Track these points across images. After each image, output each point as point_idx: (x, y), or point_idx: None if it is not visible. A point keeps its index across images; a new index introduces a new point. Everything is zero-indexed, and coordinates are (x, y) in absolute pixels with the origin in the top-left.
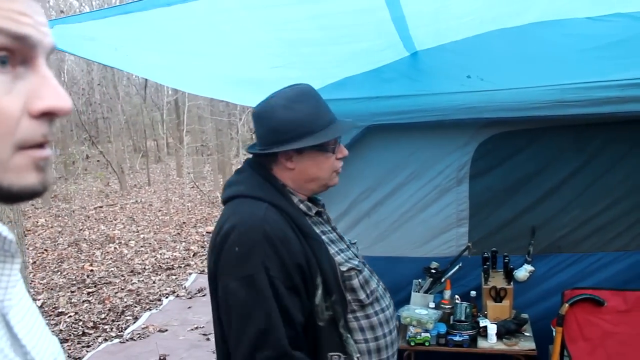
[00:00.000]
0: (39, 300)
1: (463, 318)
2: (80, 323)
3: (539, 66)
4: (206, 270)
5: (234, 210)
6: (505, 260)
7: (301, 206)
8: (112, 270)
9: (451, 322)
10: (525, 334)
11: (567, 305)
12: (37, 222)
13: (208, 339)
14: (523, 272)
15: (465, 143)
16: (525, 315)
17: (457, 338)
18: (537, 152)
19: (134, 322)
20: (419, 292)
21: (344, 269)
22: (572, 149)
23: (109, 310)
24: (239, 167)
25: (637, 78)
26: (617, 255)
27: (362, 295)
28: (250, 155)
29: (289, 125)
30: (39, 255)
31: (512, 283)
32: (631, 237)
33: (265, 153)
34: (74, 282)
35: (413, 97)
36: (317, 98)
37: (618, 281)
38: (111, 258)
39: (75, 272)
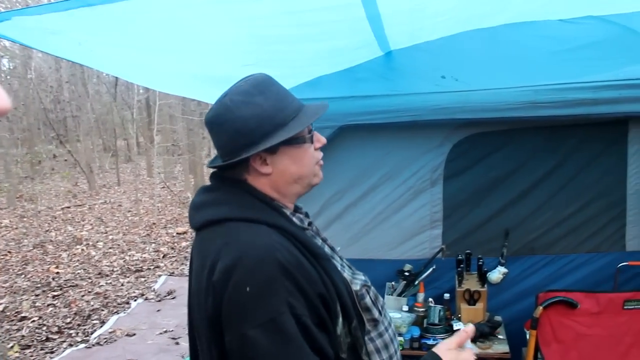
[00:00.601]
0: (0, 304)
1: (437, 321)
2: (44, 328)
3: (512, 67)
4: (176, 272)
5: (228, 240)
6: (480, 263)
7: (294, 220)
8: (79, 273)
9: (425, 325)
10: (499, 336)
11: (541, 308)
12: (1, 223)
13: (177, 343)
14: (496, 274)
15: (439, 144)
16: (498, 318)
17: (431, 342)
18: (511, 154)
19: (101, 326)
20: (392, 295)
21: (356, 287)
22: (545, 150)
23: (75, 314)
24: (205, 185)
25: (610, 80)
26: (589, 256)
27: (376, 313)
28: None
29: (253, 122)
30: (1, 257)
31: (486, 286)
32: (603, 238)
33: (233, 163)
34: (39, 285)
35: (387, 97)
36: (277, 85)
37: (591, 282)
38: (78, 260)
39: (40, 274)
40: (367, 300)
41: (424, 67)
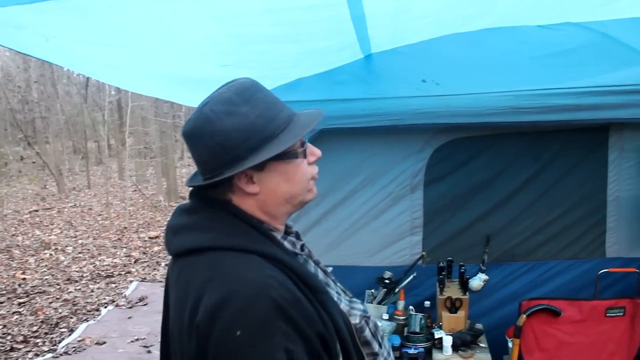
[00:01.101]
0: None
1: (418, 329)
2: (9, 337)
3: (493, 72)
4: (148, 278)
5: (212, 275)
6: (461, 270)
7: (286, 245)
8: (46, 279)
9: (405, 333)
10: (481, 345)
11: (524, 316)
12: None
13: (149, 352)
14: (477, 282)
15: (420, 149)
16: (479, 326)
17: (412, 351)
18: (492, 159)
19: (69, 335)
20: (372, 303)
21: (355, 321)
22: (527, 156)
23: (42, 322)
24: (183, 204)
25: (591, 86)
26: (570, 263)
27: (376, 347)
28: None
29: (238, 135)
30: None
31: (467, 293)
32: (583, 245)
33: (215, 182)
34: (4, 292)
35: (367, 101)
36: (264, 92)
37: (571, 289)
38: (46, 265)
39: (5, 280)
40: (367, 333)
41: (404, 70)
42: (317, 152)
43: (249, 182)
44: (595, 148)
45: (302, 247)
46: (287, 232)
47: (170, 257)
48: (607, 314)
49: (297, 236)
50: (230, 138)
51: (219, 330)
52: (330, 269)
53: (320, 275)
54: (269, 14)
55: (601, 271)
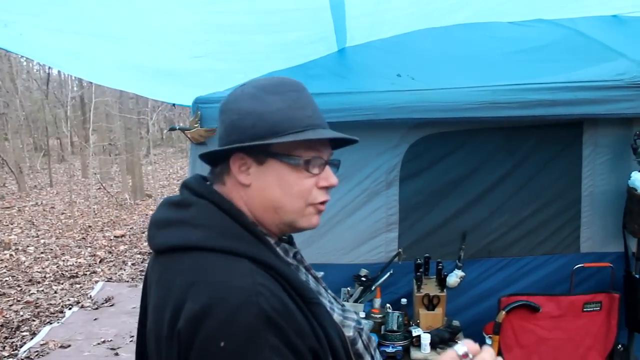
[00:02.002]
0: None
1: (395, 328)
2: None
3: (468, 67)
4: (114, 278)
5: (196, 278)
6: (439, 267)
7: (279, 251)
8: (6, 280)
9: (382, 332)
10: (458, 342)
11: (504, 312)
12: None
13: (117, 354)
14: (454, 278)
15: (395, 144)
16: (457, 323)
17: (389, 349)
18: (469, 155)
19: (32, 339)
20: (348, 301)
21: (349, 333)
22: (503, 151)
23: (2, 325)
24: (172, 196)
25: (566, 82)
26: (545, 258)
27: (368, 359)
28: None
29: (251, 119)
30: None
31: (445, 290)
32: (558, 240)
33: (215, 153)
34: None
35: (341, 95)
36: (303, 94)
37: (547, 284)
38: (6, 266)
39: None
40: (359, 345)
41: (378, 65)
42: (333, 179)
43: (244, 171)
44: (570, 143)
45: (295, 255)
46: (281, 239)
47: (152, 253)
48: (585, 309)
49: (291, 241)
50: (243, 119)
51: (201, 339)
52: (321, 274)
53: (312, 283)
54: (243, 1)
55: (576, 266)
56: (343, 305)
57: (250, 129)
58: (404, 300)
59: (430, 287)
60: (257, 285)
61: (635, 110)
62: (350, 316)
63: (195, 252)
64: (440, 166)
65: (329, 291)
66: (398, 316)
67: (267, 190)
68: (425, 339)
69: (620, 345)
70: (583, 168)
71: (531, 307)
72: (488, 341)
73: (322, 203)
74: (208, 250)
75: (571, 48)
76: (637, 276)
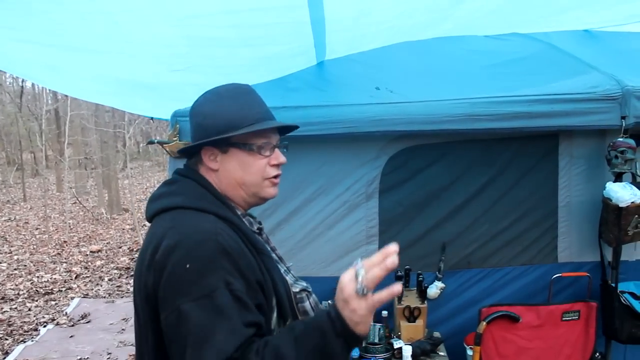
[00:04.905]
0: None
1: (377, 340)
2: None
3: (446, 80)
4: (90, 294)
5: (173, 224)
6: (420, 279)
7: (245, 221)
8: None
9: (364, 344)
10: (440, 353)
11: (484, 323)
12: None
13: None
14: (434, 289)
15: (375, 157)
16: (438, 334)
17: None
18: (447, 167)
19: (4, 358)
20: None
21: (295, 290)
22: (481, 163)
23: None
24: (166, 179)
25: (542, 94)
26: (524, 269)
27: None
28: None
29: (212, 119)
30: None
31: (425, 302)
32: (536, 250)
33: (188, 149)
34: None
35: (320, 108)
36: (253, 96)
37: (525, 294)
38: None
39: None
40: (307, 304)
41: (357, 78)
42: (282, 158)
43: (213, 159)
44: (547, 155)
45: (260, 230)
46: (250, 216)
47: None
48: (563, 318)
49: (258, 222)
50: (206, 119)
51: (171, 264)
52: (290, 265)
53: (275, 256)
54: (226, 15)
55: (554, 276)
56: (296, 278)
57: (214, 126)
58: (384, 313)
59: (411, 299)
60: (218, 229)
61: (609, 122)
62: (300, 283)
63: (175, 210)
64: (420, 178)
65: (290, 269)
66: (379, 328)
67: (231, 171)
68: (407, 350)
69: (598, 354)
70: (559, 179)
71: (511, 318)
72: (469, 352)
73: (276, 177)
74: (185, 208)
75: (546, 61)
76: (613, 285)
